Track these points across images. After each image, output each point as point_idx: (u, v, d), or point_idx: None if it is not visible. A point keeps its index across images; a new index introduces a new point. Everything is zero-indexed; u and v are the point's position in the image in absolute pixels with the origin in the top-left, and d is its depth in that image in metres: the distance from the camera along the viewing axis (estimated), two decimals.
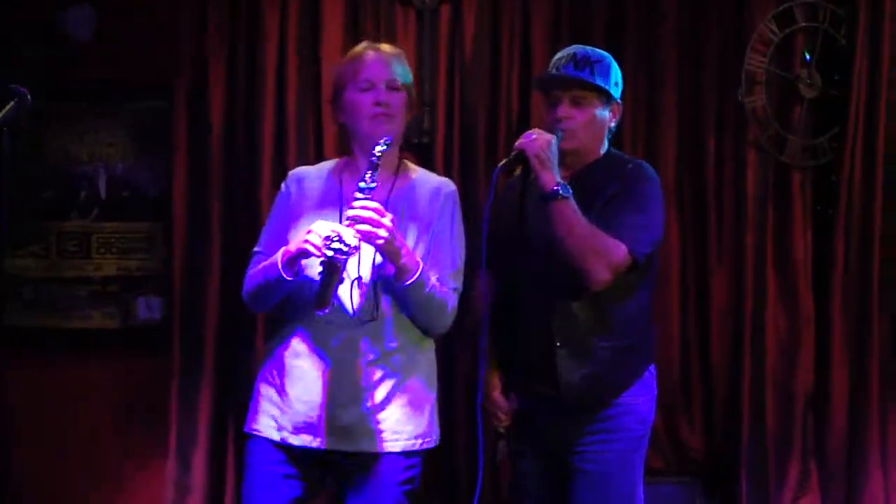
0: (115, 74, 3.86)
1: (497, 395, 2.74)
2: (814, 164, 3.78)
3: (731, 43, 3.74)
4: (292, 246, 2.40)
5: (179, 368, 3.71)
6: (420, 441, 2.51)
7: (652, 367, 2.70)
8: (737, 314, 3.76)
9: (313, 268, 2.38)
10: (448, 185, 2.62)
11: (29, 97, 2.36)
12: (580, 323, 2.56)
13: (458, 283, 2.55)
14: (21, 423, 3.87)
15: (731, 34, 3.74)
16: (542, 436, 2.67)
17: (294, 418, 2.47)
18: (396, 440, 2.47)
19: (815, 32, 3.73)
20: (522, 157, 2.52)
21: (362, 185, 2.34)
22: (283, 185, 2.64)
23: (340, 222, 2.39)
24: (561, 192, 2.46)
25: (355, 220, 2.31)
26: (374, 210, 2.32)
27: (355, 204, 2.33)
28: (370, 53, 2.55)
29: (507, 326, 2.67)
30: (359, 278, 2.41)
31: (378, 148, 2.36)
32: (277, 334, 2.55)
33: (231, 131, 3.76)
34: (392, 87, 2.51)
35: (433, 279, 2.45)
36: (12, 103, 2.35)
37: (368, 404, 2.45)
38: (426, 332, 2.52)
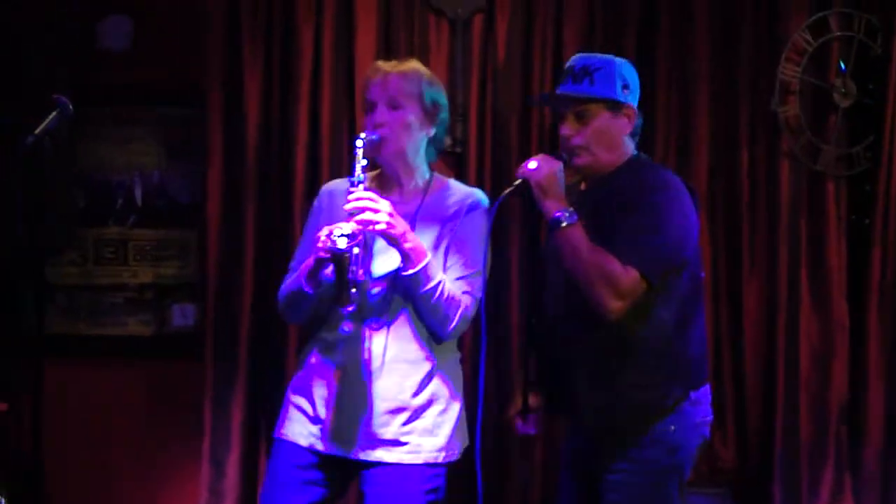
0: (150, 82, 3.90)
1: (512, 413, 2.72)
2: (848, 174, 3.76)
3: (765, 52, 3.72)
4: (311, 259, 2.44)
5: (213, 375, 3.74)
6: (444, 454, 2.53)
7: (694, 393, 2.50)
8: (770, 324, 3.74)
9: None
10: (475, 195, 2.62)
11: (71, 107, 2.41)
12: (598, 347, 2.45)
13: (473, 288, 2.52)
14: (56, 428, 3.90)
15: (764, 43, 3.73)
16: (574, 457, 2.64)
17: (322, 426, 2.51)
18: (419, 452, 2.49)
19: (850, 41, 3.71)
20: (526, 186, 2.45)
21: (353, 179, 2.41)
22: (315, 200, 2.70)
23: None
24: (564, 220, 2.38)
25: (353, 213, 2.36)
26: (368, 199, 2.37)
27: (350, 197, 2.38)
28: (373, 74, 2.58)
29: (536, 347, 2.66)
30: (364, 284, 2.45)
31: (358, 142, 2.44)
32: (307, 345, 2.61)
33: (266, 139, 3.78)
34: (393, 105, 2.52)
35: (442, 279, 2.46)
36: (55, 113, 2.40)
37: (390, 415, 2.48)
38: (434, 335, 2.52)
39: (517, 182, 2.47)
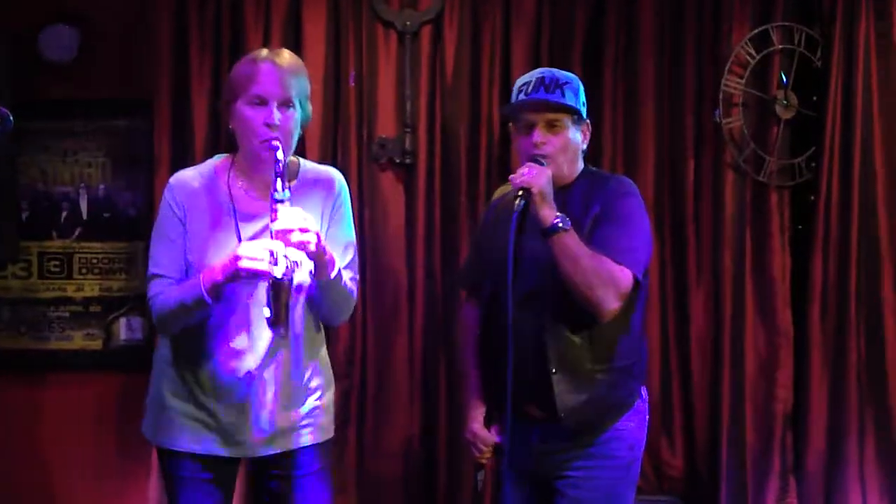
0: (96, 94, 3.87)
1: (477, 426, 2.72)
2: (791, 184, 3.82)
3: (709, 65, 3.78)
4: (218, 273, 2.35)
5: None
6: (333, 427, 2.62)
7: (643, 390, 2.68)
8: (716, 333, 3.79)
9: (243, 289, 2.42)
10: (337, 174, 2.62)
11: (11, 119, 2.37)
12: (575, 348, 2.54)
13: (356, 272, 2.60)
14: (1, 444, 3.85)
15: (708, 56, 3.78)
16: (530, 459, 2.65)
17: (220, 430, 2.49)
18: (321, 431, 2.56)
19: (791, 55, 3.77)
20: (527, 193, 2.47)
21: (277, 195, 2.32)
22: (166, 197, 2.53)
23: (237, 231, 2.43)
24: (562, 224, 2.44)
25: (284, 233, 2.31)
26: (299, 218, 2.33)
27: (279, 216, 2.32)
28: (266, 66, 2.45)
29: (495, 351, 2.64)
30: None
31: (279, 153, 2.35)
32: (184, 348, 2.52)
33: (213, 150, 3.75)
34: (285, 104, 2.45)
35: (343, 273, 2.50)
36: None
37: (290, 405, 2.50)
38: (329, 321, 2.60)
39: (521, 191, 2.47)
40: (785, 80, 3.77)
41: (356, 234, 3.54)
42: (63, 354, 3.91)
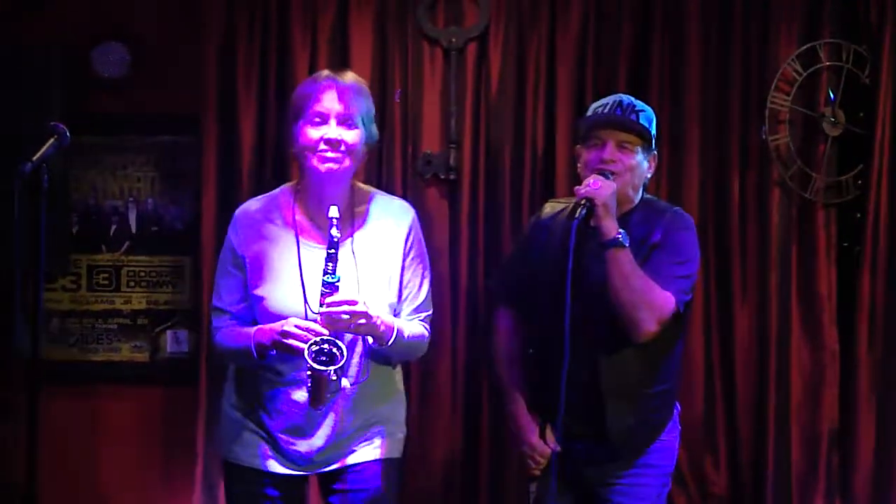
0: (146, 110, 3.92)
1: (536, 439, 2.74)
2: (838, 202, 3.79)
3: (755, 82, 3.76)
4: (266, 337, 2.38)
5: (206, 401, 3.73)
6: (399, 448, 2.60)
7: (678, 404, 2.85)
8: (761, 351, 3.75)
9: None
10: (408, 210, 2.61)
11: (68, 135, 2.42)
12: (629, 373, 2.64)
13: (429, 309, 2.60)
14: (49, 456, 3.89)
15: (754, 73, 3.76)
16: (578, 473, 2.69)
17: (279, 448, 2.51)
18: (382, 449, 2.54)
19: (839, 71, 3.74)
20: (591, 205, 2.53)
21: (327, 279, 2.32)
22: (229, 231, 2.57)
23: (299, 261, 2.41)
24: (622, 239, 2.51)
25: (329, 318, 2.31)
26: (347, 302, 2.31)
27: (327, 301, 2.31)
28: (325, 84, 2.45)
29: (546, 370, 2.69)
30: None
31: (334, 231, 2.32)
32: (248, 371, 2.54)
33: (260, 165, 3.80)
34: (345, 122, 2.42)
35: (405, 324, 2.49)
36: (52, 140, 2.40)
37: (364, 423, 2.52)
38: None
39: (584, 201, 2.53)
40: (832, 96, 3.74)
41: None
42: (110, 366, 3.95)
